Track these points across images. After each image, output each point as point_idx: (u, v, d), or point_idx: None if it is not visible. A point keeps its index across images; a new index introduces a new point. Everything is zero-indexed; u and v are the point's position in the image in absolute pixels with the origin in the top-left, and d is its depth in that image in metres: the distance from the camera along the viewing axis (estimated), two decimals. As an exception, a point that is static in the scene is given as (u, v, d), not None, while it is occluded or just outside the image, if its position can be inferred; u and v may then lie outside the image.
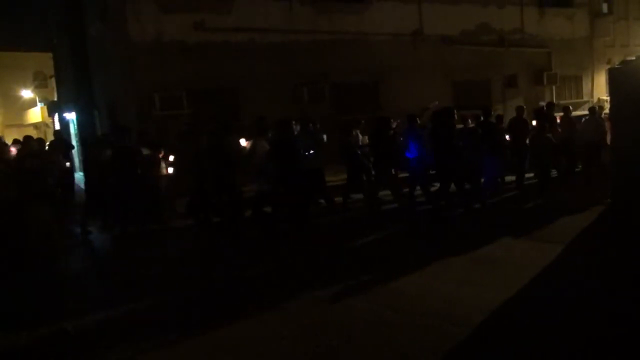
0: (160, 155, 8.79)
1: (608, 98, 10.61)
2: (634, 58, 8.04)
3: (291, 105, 11.89)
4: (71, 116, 18.65)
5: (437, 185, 8.90)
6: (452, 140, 8.25)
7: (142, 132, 8.56)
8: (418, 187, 9.62)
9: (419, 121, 9.95)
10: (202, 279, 6.19)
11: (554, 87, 16.49)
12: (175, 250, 7.73)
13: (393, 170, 9.68)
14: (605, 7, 17.89)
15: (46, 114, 28.53)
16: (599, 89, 17.37)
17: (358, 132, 10.33)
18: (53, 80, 29.02)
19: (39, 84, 39.51)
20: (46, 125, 31.99)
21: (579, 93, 17.33)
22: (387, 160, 9.27)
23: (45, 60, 30.69)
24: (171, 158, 9.03)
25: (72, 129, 18.96)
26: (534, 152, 10.06)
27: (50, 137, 34.83)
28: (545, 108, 11.56)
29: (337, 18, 13.25)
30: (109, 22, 13.06)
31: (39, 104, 36.76)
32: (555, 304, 4.64)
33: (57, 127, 20.87)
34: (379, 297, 5.06)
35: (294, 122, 8.55)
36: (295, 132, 8.80)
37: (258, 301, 5.24)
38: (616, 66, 8.61)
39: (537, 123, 10.55)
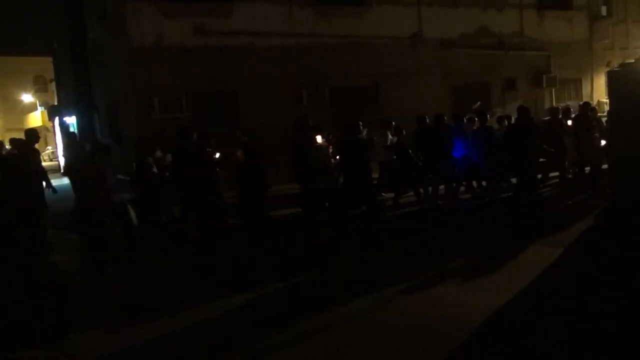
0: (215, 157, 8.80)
1: (607, 100, 10.56)
2: (633, 61, 8.05)
3: (291, 108, 11.90)
4: (71, 120, 18.69)
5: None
6: (535, 138, 8.45)
7: (202, 134, 8.53)
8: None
9: (464, 121, 10.09)
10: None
11: (553, 90, 16.51)
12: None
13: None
14: (604, 10, 17.89)
15: (46, 117, 28.58)
16: (599, 92, 17.36)
17: (388, 132, 10.39)
18: (53, 84, 29.10)
19: (39, 88, 39.64)
20: (46, 129, 32.03)
21: (578, 96, 17.30)
22: (441, 160, 9.57)
23: (45, 64, 30.83)
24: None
25: (72, 133, 18.96)
26: (585, 150, 9.97)
27: (50, 141, 34.75)
28: (581, 108, 11.22)
29: (337, 21, 13.29)
30: (109, 25, 13.10)
31: (39, 108, 36.86)
32: (554, 306, 4.63)
33: (57, 130, 20.92)
34: (380, 299, 5.04)
35: (360, 124, 8.63)
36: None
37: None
38: (615, 69, 8.61)
39: (583, 124, 10.30)
